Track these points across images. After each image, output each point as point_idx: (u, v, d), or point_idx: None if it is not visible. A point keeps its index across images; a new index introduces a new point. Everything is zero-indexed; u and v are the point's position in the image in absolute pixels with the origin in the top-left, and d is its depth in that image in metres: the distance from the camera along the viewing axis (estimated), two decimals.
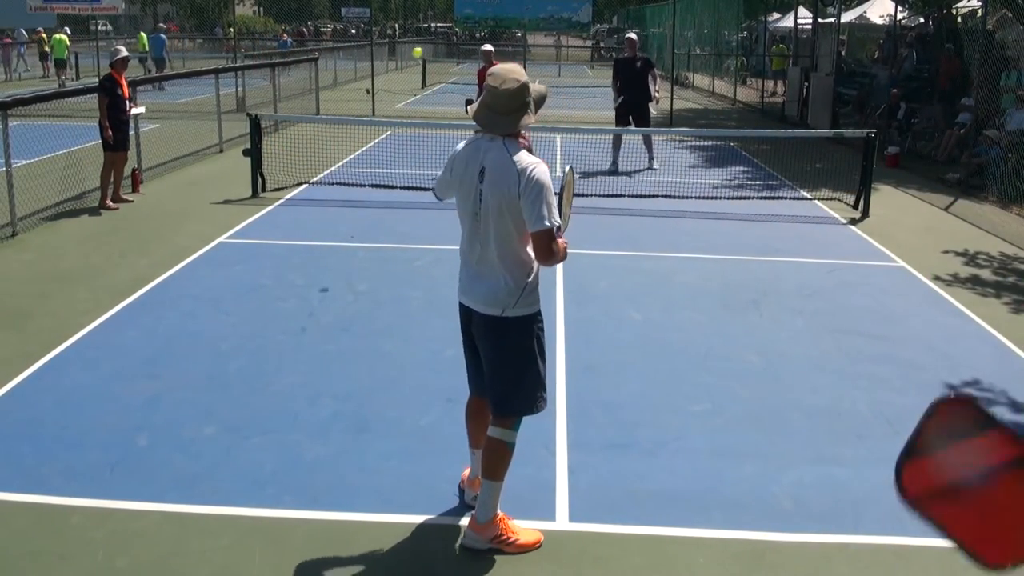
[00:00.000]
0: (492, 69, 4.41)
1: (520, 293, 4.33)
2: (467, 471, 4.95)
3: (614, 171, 15.27)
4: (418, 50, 35.04)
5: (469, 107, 4.48)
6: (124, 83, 12.08)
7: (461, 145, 4.47)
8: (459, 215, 4.46)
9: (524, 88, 4.30)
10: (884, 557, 4.54)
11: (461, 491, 4.95)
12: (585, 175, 14.93)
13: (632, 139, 16.33)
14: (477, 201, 4.30)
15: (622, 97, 15.80)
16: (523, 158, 4.26)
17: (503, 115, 4.29)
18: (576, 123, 20.61)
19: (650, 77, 15.87)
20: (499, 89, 4.26)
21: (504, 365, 4.42)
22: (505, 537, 4.48)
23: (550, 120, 21.64)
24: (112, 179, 11.99)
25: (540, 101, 4.46)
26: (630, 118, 15.82)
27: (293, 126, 17.76)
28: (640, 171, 15.20)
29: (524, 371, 4.41)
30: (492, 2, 43.31)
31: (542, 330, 4.47)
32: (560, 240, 4.35)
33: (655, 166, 15.54)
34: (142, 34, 32.73)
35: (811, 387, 6.63)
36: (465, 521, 4.70)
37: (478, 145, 4.36)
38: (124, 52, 12.27)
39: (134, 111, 12.44)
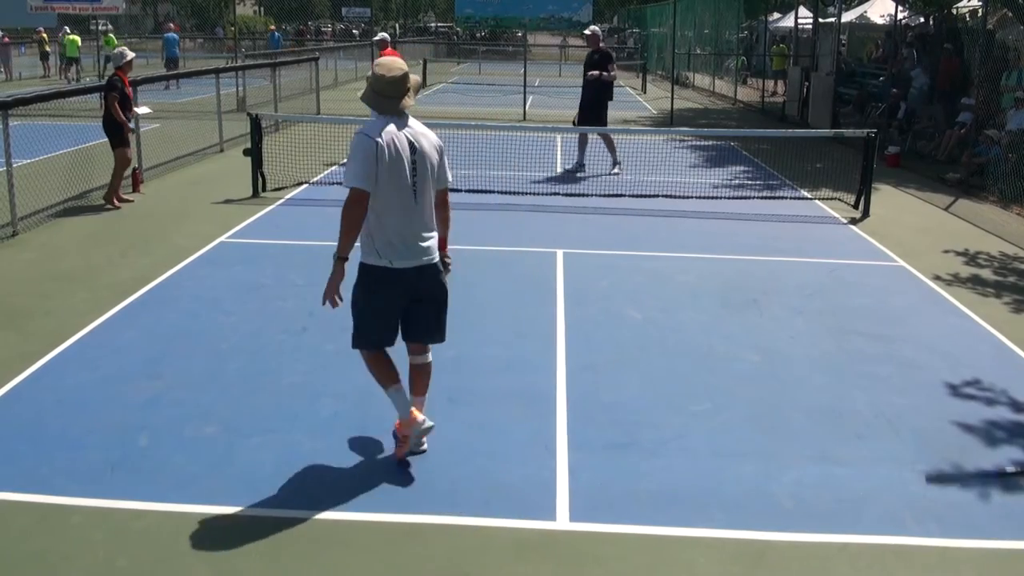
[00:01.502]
0: (379, 60, 5.30)
1: (435, 238, 5.23)
2: (414, 419, 5.31)
3: (579, 170, 15.16)
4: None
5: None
6: (128, 83, 12.22)
7: (375, 137, 4.95)
8: (384, 196, 4.99)
9: (406, 76, 5.14)
10: (884, 556, 4.54)
11: (426, 422, 5.34)
12: (586, 175, 14.94)
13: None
14: (412, 173, 5.04)
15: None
16: (424, 127, 5.26)
17: (393, 99, 5.09)
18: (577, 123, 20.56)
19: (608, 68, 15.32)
20: (387, 77, 5.09)
21: (444, 300, 5.33)
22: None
23: (550, 120, 21.68)
24: (123, 175, 12.16)
25: (417, 88, 5.31)
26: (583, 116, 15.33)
27: (293, 126, 17.76)
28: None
29: (447, 296, 5.36)
30: (492, 2, 43.33)
31: None
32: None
33: (615, 170, 15.21)
34: (74, 37, 32.86)
35: (811, 387, 6.63)
36: (464, 520, 4.71)
37: (394, 127, 5.05)
38: (131, 54, 12.40)
39: (139, 111, 12.47)
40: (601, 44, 15.66)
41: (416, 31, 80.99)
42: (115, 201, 11.94)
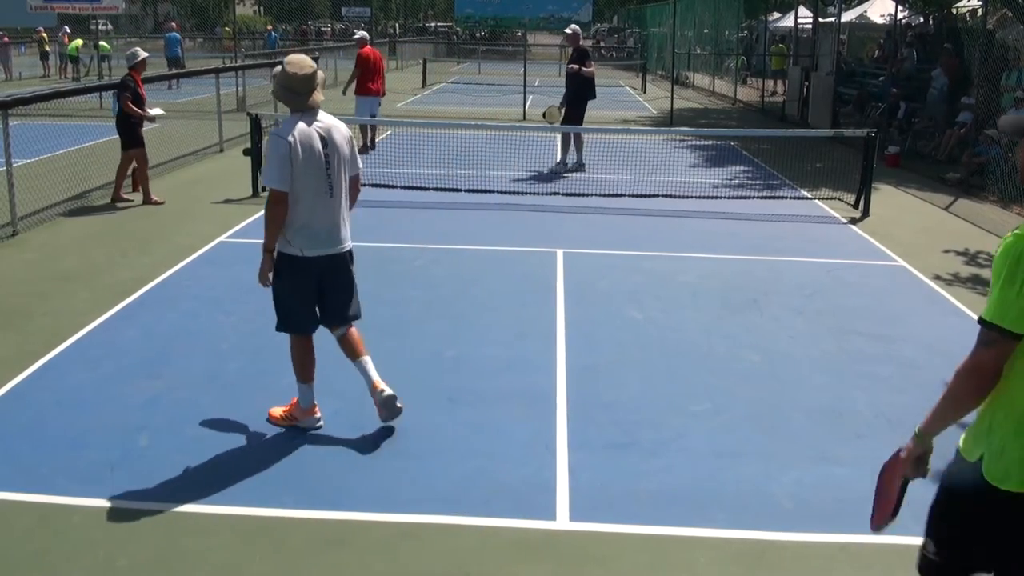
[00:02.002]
0: (288, 58, 5.50)
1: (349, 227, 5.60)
2: (314, 411, 5.76)
3: (562, 170, 15.18)
4: None
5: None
6: (141, 84, 12.26)
7: (287, 137, 5.22)
8: (299, 189, 5.26)
9: (315, 73, 5.39)
10: (885, 557, 4.55)
11: (318, 420, 5.76)
12: (585, 175, 14.94)
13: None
14: (326, 167, 5.33)
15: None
16: (334, 119, 5.48)
17: (303, 95, 5.33)
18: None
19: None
20: (298, 75, 5.32)
21: (353, 282, 5.73)
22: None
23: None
24: (126, 174, 12.26)
25: (322, 83, 5.56)
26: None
27: None
28: (638, 172, 15.16)
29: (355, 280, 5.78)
30: (492, 2, 43.43)
31: None
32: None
33: (566, 165, 15.28)
34: (77, 41, 32.94)
35: (811, 387, 6.63)
36: (464, 519, 4.71)
37: (304, 123, 5.31)
38: (144, 54, 12.44)
39: (153, 112, 12.49)
40: (580, 42, 15.64)
41: (416, 31, 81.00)
42: (154, 199, 12.18)
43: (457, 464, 5.33)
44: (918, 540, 4.63)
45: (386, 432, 5.70)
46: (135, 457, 5.34)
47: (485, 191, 13.01)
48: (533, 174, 14.37)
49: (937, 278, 9.43)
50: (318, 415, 5.76)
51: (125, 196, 12.21)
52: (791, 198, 13.63)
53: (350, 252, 5.64)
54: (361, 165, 5.71)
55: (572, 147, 15.46)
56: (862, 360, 7.14)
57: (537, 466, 5.33)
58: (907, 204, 13.57)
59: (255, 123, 12.90)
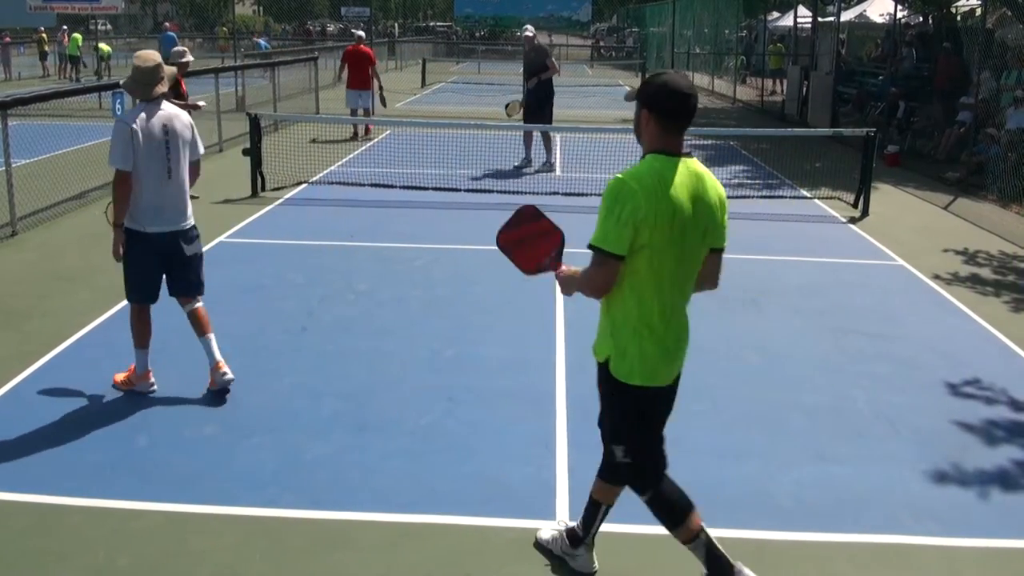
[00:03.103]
0: (137, 53, 6.16)
1: (190, 206, 6.14)
2: (147, 377, 6.23)
3: (525, 167, 15.23)
4: None
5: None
6: (183, 83, 12.21)
7: (130, 124, 5.77)
8: (141, 171, 5.81)
9: (159, 67, 5.98)
10: (884, 556, 4.55)
11: (151, 385, 6.23)
12: (583, 174, 14.93)
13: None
14: (166, 151, 5.88)
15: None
16: (178, 109, 6.09)
17: (147, 86, 5.91)
18: (576, 122, 20.59)
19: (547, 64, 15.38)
20: (144, 67, 5.94)
21: (199, 259, 6.23)
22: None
23: None
24: None
25: (171, 76, 6.15)
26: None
27: (292, 125, 17.76)
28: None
29: (201, 256, 6.29)
30: (492, 1, 43.44)
31: None
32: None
33: (532, 163, 15.42)
34: (77, 37, 32.96)
35: (811, 386, 6.64)
36: (464, 519, 4.71)
37: (148, 112, 5.87)
38: (190, 57, 12.38)
39: (198, 105, 12.52)
40: (536, 42, 15.67)
41: (416, 30, 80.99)
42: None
43: (457, 464, 5.33)
44: (918, 539, 4.66)
45: (386, 431, 5.70)
46: (134, 457, 5.34)
47: (485, 191, 13.02)
48: (532, 173, 14.37)
49: (936, 277, 9.44)
50: (151, 380, 6.21)
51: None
52: (790, 197, 13.63)
53: (192, 229, 6.15)
54: (202, 151, 6.27)
55: (542, 147, 15.45)
56: (861, 359, 7.14)
57: (537, 466, 5.33)
58: (906, 203, 13.57)
59: (254, 123, 12.90)
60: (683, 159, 3.78)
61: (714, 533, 4.69)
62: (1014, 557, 4.60)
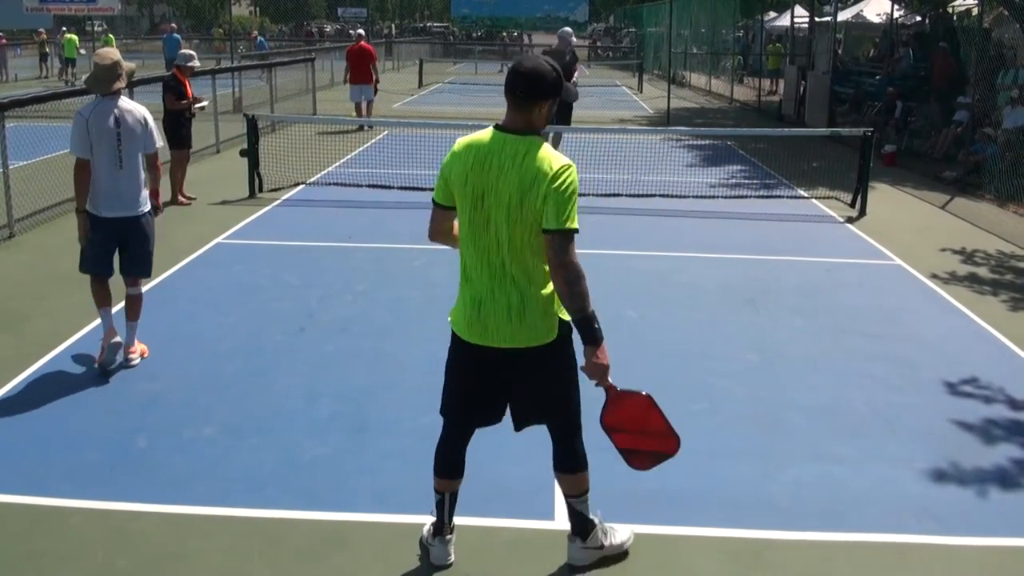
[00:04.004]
0: (98, 51, 6.77)
1: (143, 195, 6.60)
2: (112, 334, 6.59)
3: None
4: None
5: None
6: (188, 85, 12.37)
7: (86, 116, 6.36)
8: (96, 160, 6.38)
9: (117, 64, 6.42)
10: (883, 555, 4.55)
11: (116, 343, 6.59)
12: (583, 174, 14.93)
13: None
14: (117, 142, 6.37)
15: None
16: (133, 105, 6.54)
17: (104, 81, 6.38)
18: (573, 122, 20.55)
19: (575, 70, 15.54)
20: (101, 64, 6.41)
21: (147, 244, 6.69)
22: (142, 352, 6.75)
23: None
24: (181, 174, 12.44)
25: (131, 73, 6.67)
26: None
27: (290, 126, 17.75)
28: (635, 171, 15.16)
29: (153, 241, 6.76)
30: (489, 2, 43.47)
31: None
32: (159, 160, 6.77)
33: None
34: (73, 37, 33.09)
35: (809, 386, 6.64)
36: (463, 520, 4.72)
37: (103, 106, 6.40)
38: (197, 62, 12.63)
39: (199, 105, 12.58)
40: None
41: (413, 31, 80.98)
42: (180, 199, 12.26)
43: None
44: (917, 538, 4.66)
45: (385, 432, 5.70)
46: (133, 458, 5.34)
47: None
48: None
49: (934, 277, 9.44)
50: (116, 336, 6.59)
51: (183, 198, 12.26)
52: (788, 197, 13.64)
53: (143, 216, 6.61)
54: (159, 144, 6.70)
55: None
56: (859, 359, 7.14)
57: (536, 466, 5.30)
58: (904, 203, 13.58)
59: (252, 124, 12.90)
60: (505, 133, 3.93)
61: (712, 532, 4.71)
62: (1013, 555, 4.60)
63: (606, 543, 4.40)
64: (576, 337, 4.04)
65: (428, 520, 4.51)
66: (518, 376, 4.14)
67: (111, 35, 36.15)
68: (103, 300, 6.72)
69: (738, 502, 4.99)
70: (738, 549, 4.58)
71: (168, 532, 4.60)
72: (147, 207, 6.64)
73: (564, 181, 3.88)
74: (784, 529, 4.74)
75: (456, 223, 4.11)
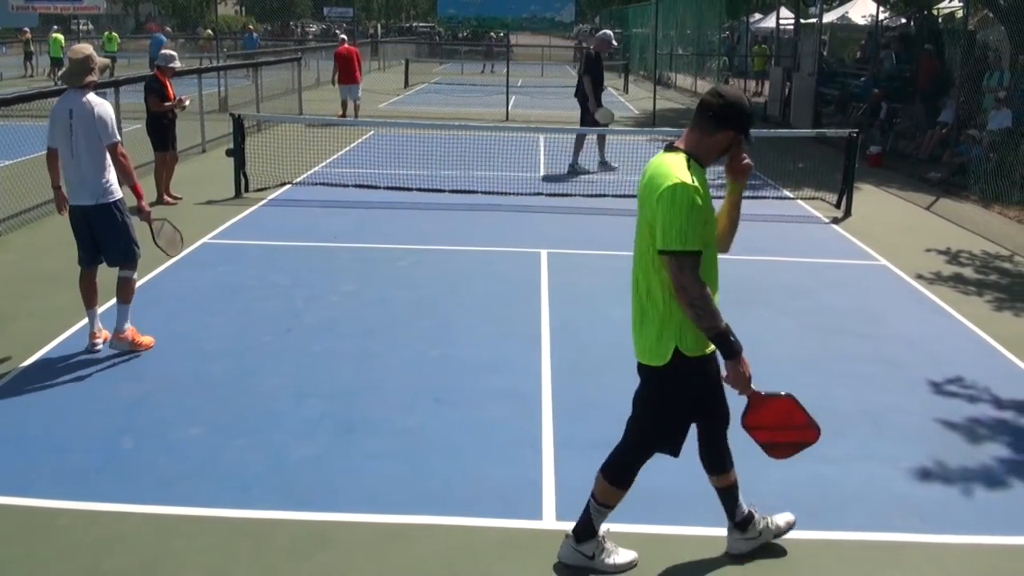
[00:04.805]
0: (72, 46, 7.12)
1: (104, 187, 6.70)
2: (95, 329, 6.93)
3: (606, 169, 15.29)
4: None
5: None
6: (169, 86, 12.32)
7: (55, 107, 6.70)
8: (58, 149, 6.68)
9: (88, 58, 6.69)
10: (871, 552, 4.57)
11: (94, 345, 6.89)
12: (566, 175, 14.97)
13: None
14: (69, 132, 6.60)
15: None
16: (93, 98, 6.68)
17: (78, 74, 6.65)
18: (559, 123, 20.62)
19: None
20: (74, 59, 6.71)
21: (115, 234, 6.77)
22: (139, 343, 6.88)
23: (533, 120, 21.69)
24: (166, 174, 12.35)
25: (103, 67, 7.07)
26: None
27: (276, 126, 17.71)
28: (621, 172, 15.17)
29: (127, 231, 6.84)
30: (475, 2, 43.36)
31: (124, 203, 6.88)
32: (123, 150, 6.80)
33: (605, 163, 15.59)
34: (59, 37, 33.08)
35: (796, 386, 6.57)
36: (452, 520, 4.71)
37: (65, 97, 6.72)
38: (178, 62, 12.56)
39: (182, 103, 12.55)
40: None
41: (398, 31, 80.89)
42: (166, 199, 12.20)
43: (443, 464, 5.32)
44: (904, 536, 4.68)
45: (372, 432, 5.70)
46: (120, 459, 5.32)
47: (468, 191, 13.02)
48: (516, 174, 14.37)
49: (919, 277, 9.48)
50: (96, 340, 6.88)
51: (169, 198, 12.20)
52: (773, 198, 13.68)
53: (104, 207, 6.70)
54: (116, 138, 6.72)
55: (595, 148, 15.64)
56: (846, 359, 7.17)
57: (523, 466, 5.33)
58: (889, 204, 13.64)
59: (238, 124, 12.86)
60: (663, 151, 4.09)
61: (701, 531, 4.72)
62: (998, 553, 4.63)
63: (598, 561, 4.35)
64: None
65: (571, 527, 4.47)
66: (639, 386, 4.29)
67: (114, 33, 35.95)
68: (88, 298, 6.90)
69: None
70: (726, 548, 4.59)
71: (155, 533, 4.59)
72: (112, 198, 6.74)
73: (672, 199, 3.80)
74: None
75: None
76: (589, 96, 15.30)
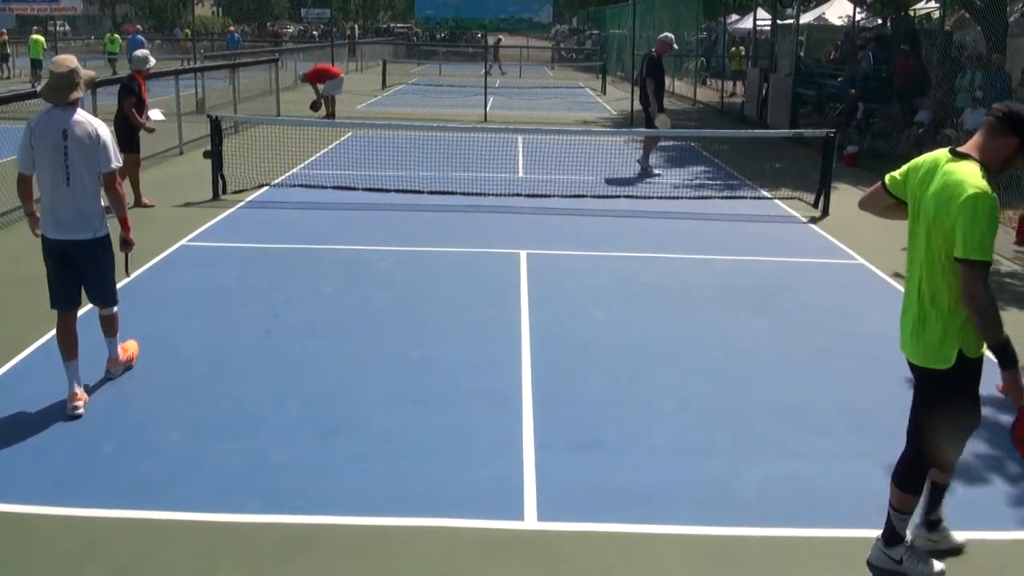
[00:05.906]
0: (54, 58, 6.01)
1: (100, 219, 5.97)
2: (76, 390, 5.92)
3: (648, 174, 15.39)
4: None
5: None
6: (144, 87, 12.24)
7: (32, 126, 5.79)
8: (40, 175, 5.80)
9: (73, 72, 5.81)
10: (849, 549, 4.60)
11: (74, 409, 5.86)
12: (544, 176, 14.98)
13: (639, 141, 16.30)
14: (64, 157, 5.72)
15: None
16: (90, 118, 5.86)
17: (60, 90, 5.76)
18: (537, 123, 20.65)
19: None
20: (56, 73, 5.78)
21: (100, 271, 6.09)
22: (131, 356, 6.57)
23: (512, 121, 21.70)
24: (137, 177, 12.21)
25: (89, 81, 6.11)
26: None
27: (253, 127, 17.66)
28: (599, 173, 15.20)
29: (111, 270, 6.22)
30: (452, 3, 43.32)
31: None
32: (120, 180, 6.09)
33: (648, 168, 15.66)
34: (40, 39, 32.85)
35: (774, 383, 6.70)
36: (433, 521, 4.73)
37: (51, 116, 5.78)
38: (153, 61, 12.46)
39: (153, 115, 12.45)
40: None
41: (376, 32, 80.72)
42: (144, 200, 12.12)
43: (425, 465, 5.33)
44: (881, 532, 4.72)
45: (353, 434, 5.70)
46: (100, 464, 5.30)
47: (447, 192, 13.02)
48: (495, 175, 14.39)
49: (896, 275, 9.54)
50: (77, 403, 5.88)
51: (147, 200, 12.13)
52: (751, 198, 13.75)
53: (95, 242, 5.97)
54: (115, 165, 5.92)
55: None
56: (823, 356, 7.22)
57: (504, 466, 5.35)
58: None
59: (215, 125, 12.82)
60: (951, 154, 4.08)
61: (680, 530, 4.75)
62: (974, 548, 4.67)
63: (907, 565, 4.43)
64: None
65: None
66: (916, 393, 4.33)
67: (116, 35, 35.51)
68: (69, 349, 6.03)
69: (705, 499, 5.03)
70: (705, 546, 4.63)
71: (137, 537, 4.58)
72: (107, 230, 6.05)
73: (974, 208, 3.82)
74: (751, 526, 4.78)
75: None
76: (651, 100, 15.38)
